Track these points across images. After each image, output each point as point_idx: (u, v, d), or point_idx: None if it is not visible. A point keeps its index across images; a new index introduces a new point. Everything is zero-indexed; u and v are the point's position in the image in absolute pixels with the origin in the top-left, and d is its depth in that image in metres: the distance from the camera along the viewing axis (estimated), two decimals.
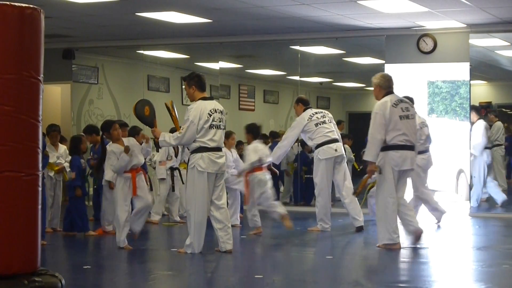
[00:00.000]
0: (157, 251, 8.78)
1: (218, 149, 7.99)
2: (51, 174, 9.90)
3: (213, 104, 8.05)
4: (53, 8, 10.87)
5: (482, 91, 19.58)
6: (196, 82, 8.06)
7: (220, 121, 8.00)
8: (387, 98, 8.31)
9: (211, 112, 7.93)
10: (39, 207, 5.19)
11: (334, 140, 9.94)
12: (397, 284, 6.41)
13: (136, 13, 11.59)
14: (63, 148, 10.27)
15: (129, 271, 7.48)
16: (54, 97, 15.21)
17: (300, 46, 14.22)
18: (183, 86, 8.20)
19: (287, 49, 14.70)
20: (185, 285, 6.80)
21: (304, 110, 10.13)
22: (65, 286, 5.16)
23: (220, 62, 14.99)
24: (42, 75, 5.25)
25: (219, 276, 7.15)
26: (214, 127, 7.92)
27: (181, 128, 7.91)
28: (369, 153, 8.23)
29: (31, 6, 5.20)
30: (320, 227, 9.87)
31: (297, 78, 14.74)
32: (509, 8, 11.05)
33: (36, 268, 5.11)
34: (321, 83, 18.18)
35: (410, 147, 8.30)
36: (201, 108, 7.90)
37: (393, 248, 8.13)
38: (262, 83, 18.14)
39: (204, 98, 8.05)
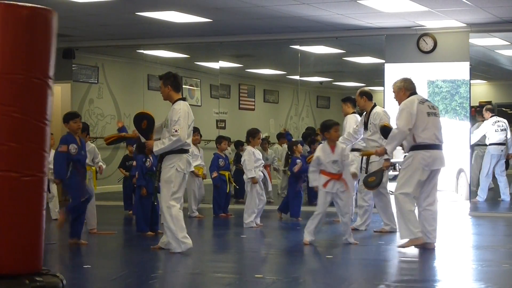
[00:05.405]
0: (159, 251, 8.77)
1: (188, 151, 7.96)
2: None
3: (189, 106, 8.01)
4: (53, 7, 10.75)
5: (482, 90, 19.63)
6: (172, 82, 7.90)
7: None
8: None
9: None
10: (43, 208, 5.14)
11: None
12: (397, 284, 6.42)
13: (136, 13, 11.60)
14: (90, 145, 10.11)
15: (130, 271, 7.48)
16: (54, 97, 15.07)
17: (300, 45, 14.23)
18: (159, 85, 7.95)
19: (287, 48, 14.71)
20: (185, 285, 6.80)
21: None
22: (67, 286, 5.17)
23: (220, 61, 15.00)
24: (51, 77, 5.08)
25: (219, 275, 7.15)
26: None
27: (174, 130, 7.66)
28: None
29: (43, 7, 5.02)
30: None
31: (297, 77, 14.75)
32: (509, 7, 11.06)
33: (38, 268, 5.09)
34: (321, 82, 18.19)
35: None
36: (187, 109, 7.81)
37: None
38: (262, 82, 18.14)
39: (182, 99, 7.94)
